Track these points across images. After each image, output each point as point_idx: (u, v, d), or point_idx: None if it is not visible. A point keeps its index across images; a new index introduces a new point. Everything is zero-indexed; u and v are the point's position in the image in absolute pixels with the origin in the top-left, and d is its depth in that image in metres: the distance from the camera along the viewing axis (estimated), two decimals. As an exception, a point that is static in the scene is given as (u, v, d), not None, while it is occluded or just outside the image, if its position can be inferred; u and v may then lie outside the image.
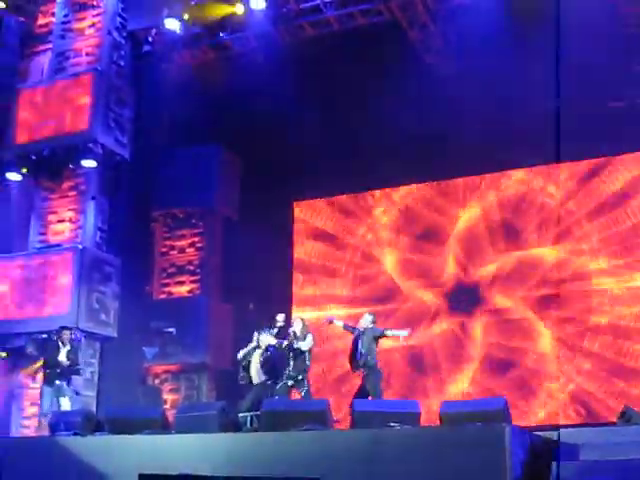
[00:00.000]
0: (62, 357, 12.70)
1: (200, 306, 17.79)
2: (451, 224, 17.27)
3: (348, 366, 11.75)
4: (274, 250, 17.56)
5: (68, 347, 12.83)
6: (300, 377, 11.36)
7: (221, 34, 17.23)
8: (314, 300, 17.77)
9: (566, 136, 15.12)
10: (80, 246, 15.32)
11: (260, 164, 17.95)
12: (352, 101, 16.21)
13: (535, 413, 15.71)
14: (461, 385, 16.47)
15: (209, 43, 17.52)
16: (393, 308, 16.99)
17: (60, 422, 10.66)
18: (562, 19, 14.18)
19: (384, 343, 12.18)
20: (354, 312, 15.72)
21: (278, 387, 11.48)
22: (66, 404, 12.69)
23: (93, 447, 9.76)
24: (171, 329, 17.42)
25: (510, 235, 16.70)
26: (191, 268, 18.31)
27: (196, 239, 18.47)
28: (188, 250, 18.45)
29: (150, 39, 17.40)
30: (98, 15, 16.47)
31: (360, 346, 11.31)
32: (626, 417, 10.07)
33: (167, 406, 16.77)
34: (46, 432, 12.01)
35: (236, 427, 10.35)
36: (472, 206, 17.19)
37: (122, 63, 16.58)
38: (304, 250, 18.45)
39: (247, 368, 12.19)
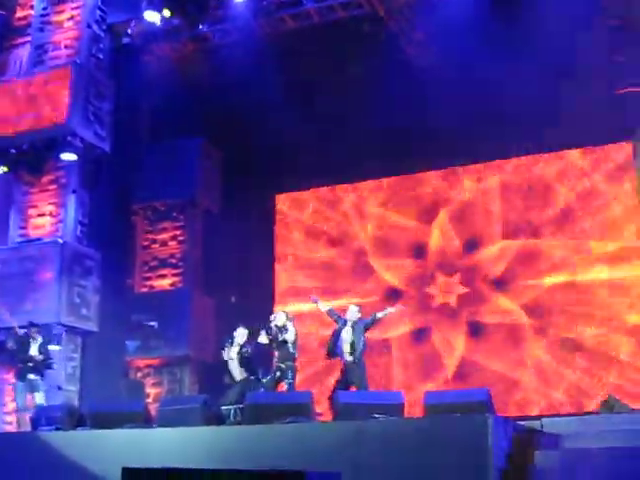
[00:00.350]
0: (34, 352, 12.66)
1: (182, 299, 17.73)
2: (434, 215, 17.29)
3: (326, 355, 11.62)
4: (256, 242, 17.56)
5: (40, 341, 12.78)
6: (283, 366, 11.27)
7: (201, 26, 17.15)
8: (296, 292, 17.74)
9: (548, 126, 15.26)
10: (61, 240, 15.23)
11: (241, 156, 17.93)
12: (333, 93, 16.20)
13: (516, 403, 15.77)
14: (444, 377, 16.51)
15: (189, 35, 17.44)
16: (375, 300, 16.99)
17: (42, 417, 10.61)
18: (542, 10, 14.24)
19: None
20: (337, 304, 15.69)
21: (265, 380, 11.40)
22: (41, 399, 12.64)
23: (75, 442, 9.71)
24: (153, 323, 17.38)
25: (496, 226, 16.74)
26: (173, 261, 18.25)
27: (177, 232, 18.40)
28: (170, 243, 18.38)
29: (129, 32, 17.30)
30: (77, 8, 16.34)
31: (349, 338, 11.20)
32: (609, 405, 10.16)
33: (150, 400, 16.73)
34: (24, 428, 11.98)
35: (219, 420, 10.34)
36: (452, 197, 17.22)
37: (101, 56, 16.48)
38: (286, 242, 18.43)
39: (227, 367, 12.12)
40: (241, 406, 10.43)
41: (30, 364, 12.63)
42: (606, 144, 16.21)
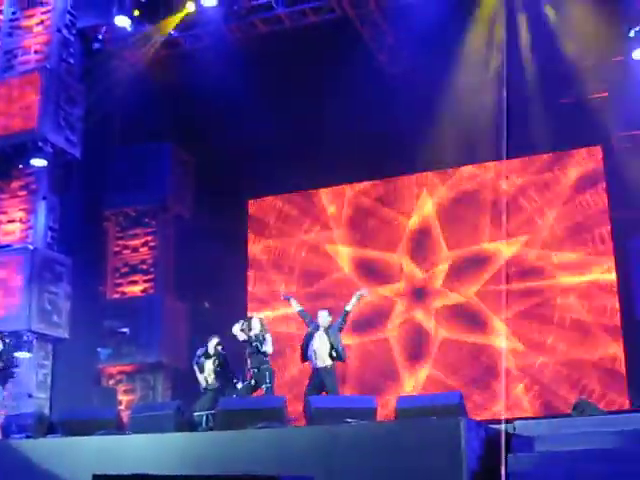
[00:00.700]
0: None
1: (154, 305, 17.64)
2: (404, 220, 17.35)
3: (301, 359, 11.56)
4: (228, 248, 17.52)
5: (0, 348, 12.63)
6: (257, 371, 11.21)
7: (172, 32, 17.10)
8: (269, 298, 17.73)
9: (517, 131, 15.35)
10: (31, 246, 15.09)
11: (213, 162, 17.91)
12: (305, 99, 16.23)
13: (491, 407, 15.83)
14: (417, 381, 16.55)
15: (160, 40, 17.37)
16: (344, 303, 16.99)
17: (12, 424, 10.51)
18: (513, 17, 14.36)
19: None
20: (309, 309, 15.71)
21: (241, 387, 11.35)
22: None
23: (46, 449, 9.62)
24: (125, 329, 17.28)
25: (463, 230, 16.82)
26: (144, 267, 18.16)
27: (149, 238, 18.31)
28: (141, 249, 18.29)
29: (100, 37, 17.18)
30: (47, 12, 16.20)
31: (326, 344, 11.10)
32: (580, 408, 10.22)
33: (122, 407, 16.62)
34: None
35: (192, 426, 10.30)
36: (425, 202, 17.28)
37: (72, 61, 16.34)
38: (258, 248, 18.42)
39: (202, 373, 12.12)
40: (213, 412, 10.40)
41: None
42: (573, 149, 16.33)
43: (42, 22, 16.20)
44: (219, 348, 12.10)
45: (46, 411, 14.47)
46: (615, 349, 15.31)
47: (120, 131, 18.26)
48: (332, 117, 15.92)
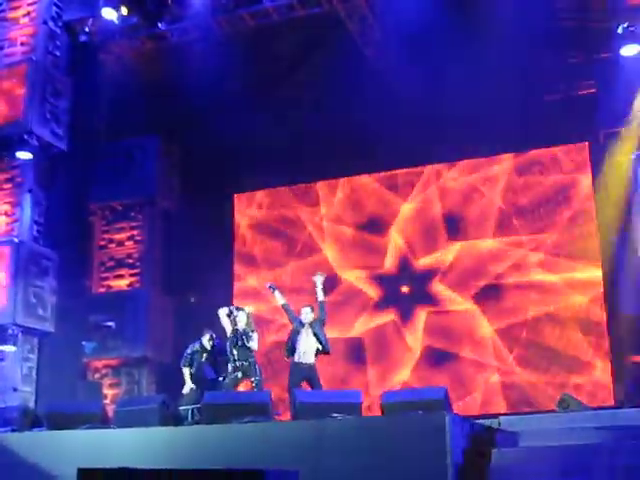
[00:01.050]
0: None
1: (140, 299, 17.59)
2: (392, 215, 17.37)
3: (285, 355, 11.55)
4: (215, 242, 17.49)
5: None
6: (247, 364, 11.20)
7: (159, 25, 17.03)
8: (256, 292, 17.71)
9: (504, 127, 15.41)
10: (16, 240, 15.03)
11: (200, 156, 17.87)
12: (292, 92, 16.21)
13: (475, 403, 15.88)
14: (401, 376, 16.57)
15: (147, 34, 17.28)
16: (335, 299, 16.99)
17: (-3, 418, 10.49)
18: (499, 12, 14.36)
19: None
20: (295, 303, 15.71)
21: (227, 381, 11.32)
22: None
23: (31, 443, 9.61)
24: (110, 323, 17.24)
25: (451, 227, 16.85)
26: (130, 261, 18.10)
27: (135, 232, 18.24)
28: (127, 243, 18.23)
29: (87, 29, 17.12)
30: (33, 4, 16.12)
31: (311, 339, 11.12)
32: (564, 404, 10.28)
33: (107, 401, 16.59)
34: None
35: (177, 420, 10.29)
36: (414, 198, 17.30)
37: (58, 53, 16.28)
38: (245, 242, 18.41)
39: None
40: (199, 406, 10.39)
41: None
42: (564, 144, 16.38)
43: (28, 14, 16.13)
44: (212, 343, 12.19)
45: (31, 405, 14.44)
46: (600, 344, 15.37)
47: (106, 124, 18.17)
48: (318, 111, 15.92)
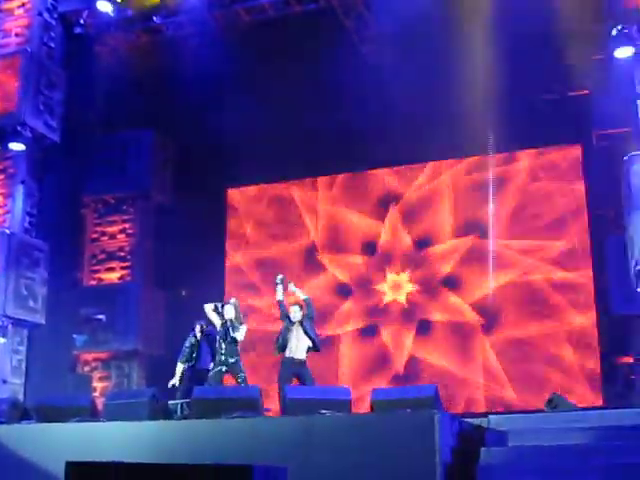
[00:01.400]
0: None
1: (131, 293, 17.58)
2: (385, 213, 17.37)
3: (276, 351, 11.61)
4: (208, 236, 17.51)
5: None
6: (232, 360, 11.26)
7: (155, 18, 17.01)
8: (247, 287, 17.71)
9: (499, 127, 15.42)
10: (8, 231, 14.99)
11: (194, 150, 17.87)
12: (288, 88, 16.18)
13: (461, 402, 15.91)
14: (391, 374, 16.59)
15: (142, 27, 17.25)
16: (324, 297, 17.03)
17: (-14, 410, 10.48)
18: (497, 13, 14.38)
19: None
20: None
21: (212, 374, 11.37)
22: None
23: (20, 435, 9.61)
24: (101, 316, 17.22)
25: (442, 222, 16.87)
26: (122, 254, 18.09)
27: (127, 225, 18.24)
28: (119, 236, 18.21)
29: (82, 21, 17.07)
30: (28, -5, 16.13)
31: (303, 337, 11.26)
32: (553, 404, 10.30)
33: (97, 394, 16.59)
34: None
35: (166, 414, 10.29)
36: (404, 194, 17.32)
37: (53, 45, 16.25)
38: (238, 237, 18.39)
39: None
40: (188, 400, 10.39)
41: None
42: (557, 145, 16.41)
43: (23, 5, 16.09)
44: (203, 333, 12.34)
45: (20, 397, 14.42)
46: (590, 345, 15.40)
47: (100, 117, 18.13)
48: (314, 107, 15.90)
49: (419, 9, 14.54)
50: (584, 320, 15.54)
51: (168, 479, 5.71)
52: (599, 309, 15.37)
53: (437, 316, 16.54)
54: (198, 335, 12.36)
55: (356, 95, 15.34)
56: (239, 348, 11.44)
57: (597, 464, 7.59)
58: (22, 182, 15.42)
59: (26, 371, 15.14)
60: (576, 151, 16.29)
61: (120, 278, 18.01)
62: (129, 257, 18.03)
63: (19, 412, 10.46)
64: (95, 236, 18.40)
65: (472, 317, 16.27)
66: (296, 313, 11.43)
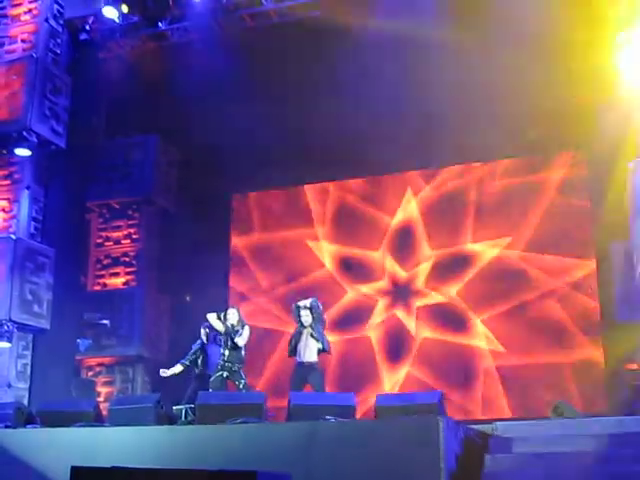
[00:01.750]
0: None
1: (135, 298, 17.60)
2: (388, 219, 17.36)
3: (288, 355, 11.68)
4: (212, 242, 17.49)
5: None
6: (235, 368, 11.33)
7: (160, 24, 17.05)
8: (252, 293, 17.72)
9: (503, 133, 15.42)
10: (14, 236, 15.03)
11: (198, 155, 17.86)
12: (291, 93, 16.21)
13: (470, 408, 15.88)
14: (396, 380, 16.57)
15: (148, 33, 17.32)
16: (330, 302, 17.00)
17: (-9, 415, 10.48)
18: (495, 20, 14.40)
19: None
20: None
21: (212, 379, 11.42)
22: None
23: (25, 440, 9.61)
24: (105, 321, 17.25)
25: (446, 230, 16.85)
26: (126, 260, 18.12)
27: (132, 230, 18.26)
28: (124, 241, 18.24)
29: (88, 27, 17.13)
30: (34, 1, 16.15)
31: (313, 341, 11.34)
32: (558, 411, 10.30)
33: (101, 399, 16.60)
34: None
35: (171, 420, 10.30)
36: (409, 201, 17.31)
37: (59, 51, 16.30)
38: (241, 243, 18.39)
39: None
40: (192, 406, 10.41)
41: None
42: (558, 153, 16.40)
43: (30, 11, 16.15)
44: (207, 335, 12.55)
45: (25, 401, 14.44)
46: (594, 352, 15.38)
47: (105, 123, 18.19)
48: (318, 113, 15.90)
49: (422, 15, 14.58)
50: (589, 327, 15.50)
51: (173, 485, 5.71)
52: (603, 316, 15.33)
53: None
54: (204, 339, 12.50)
55: (359, 101, 15.35)
56: (244, 354, 11.48)
57: (602, 471, 7.58)
58: (27, 187, 15.46)
59: (31, 376, 15.17)
60: (581, 157, 16.25)
61: (125, 283, 18.04)
62: (134, 262, 18.06)
63: (24, 417, 10.47)
64: (100, 241, 18.44)
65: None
66: (307, 318, 11.53)
